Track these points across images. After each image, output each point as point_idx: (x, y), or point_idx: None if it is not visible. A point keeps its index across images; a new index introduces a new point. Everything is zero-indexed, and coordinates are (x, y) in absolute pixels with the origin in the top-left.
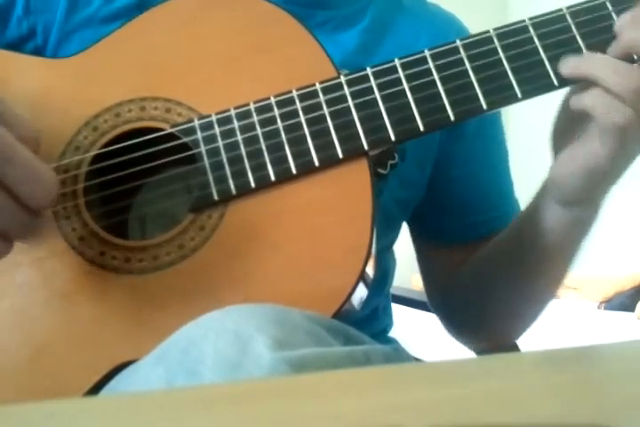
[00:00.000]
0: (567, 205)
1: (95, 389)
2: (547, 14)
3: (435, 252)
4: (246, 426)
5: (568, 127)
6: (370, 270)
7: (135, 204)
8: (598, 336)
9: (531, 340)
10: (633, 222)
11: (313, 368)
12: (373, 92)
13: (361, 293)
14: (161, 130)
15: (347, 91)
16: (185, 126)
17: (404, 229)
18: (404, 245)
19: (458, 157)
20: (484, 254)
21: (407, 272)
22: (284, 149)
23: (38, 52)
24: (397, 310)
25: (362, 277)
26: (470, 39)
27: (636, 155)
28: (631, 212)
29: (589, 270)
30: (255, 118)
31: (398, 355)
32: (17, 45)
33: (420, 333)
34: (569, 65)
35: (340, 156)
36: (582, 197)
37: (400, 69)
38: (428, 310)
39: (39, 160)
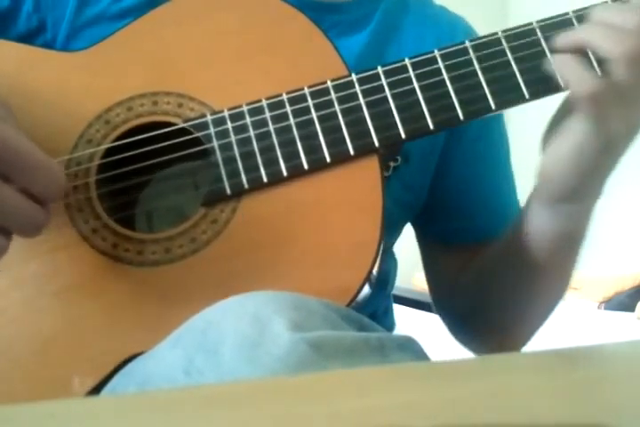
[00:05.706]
0: (558, 203)
1: (105, 381)
2: (555, 17)
3: (436, 254)
4: (246, 426)
5: (559, 128)
6: (374, 270)
7: (142, 197)
8: (598, 336)
9: (531, 340)
10: (633, 222)
11: (330, 349)
12: (384, 91)
13: (364, 291)
14: (173, 124)
15: (358, 89)
16: (198, 121)
17: (406, 230)
18: (405, 245)
19: (458, 160)
20: (483, 261)
21: (408, 272)
22: (295, 145)
23: (47, 47)
24: (398, 310)
25: (371, 273)
26: (479, 40)
27: (623, 143)
28: (631, 212)
29: (589, 270)
30: (267, 114)
31: (411, 345)
32: (26, 40)
33: (421, 333)
34: (561, 37)
35: (352, 152)
36: (572, 193)
37: (410, 69)
38: (429, 310)
39: (46, 155)
